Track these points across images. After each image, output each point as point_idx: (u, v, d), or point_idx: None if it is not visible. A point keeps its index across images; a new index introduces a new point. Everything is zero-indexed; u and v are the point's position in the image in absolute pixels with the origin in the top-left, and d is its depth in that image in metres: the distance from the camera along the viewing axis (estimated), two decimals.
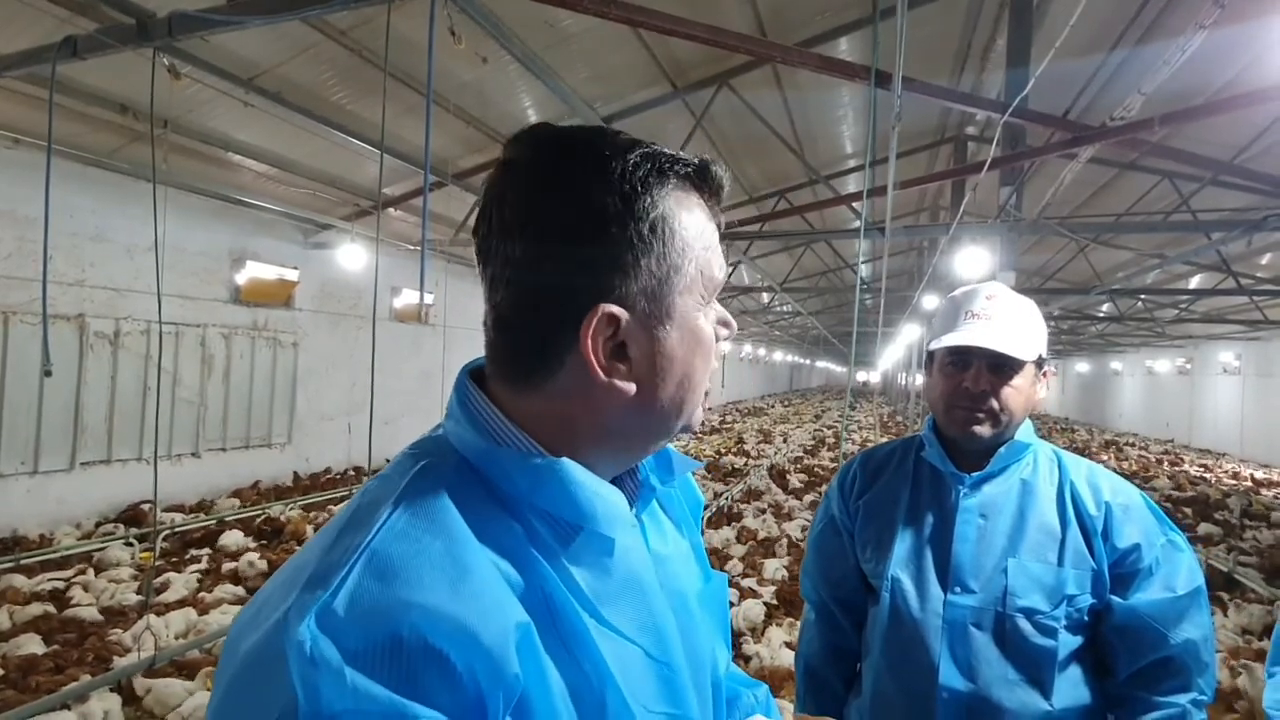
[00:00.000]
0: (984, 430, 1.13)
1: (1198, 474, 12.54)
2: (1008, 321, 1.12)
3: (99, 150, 5.71)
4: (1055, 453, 1.20)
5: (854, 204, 7.24)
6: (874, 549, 1.23)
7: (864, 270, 14.57)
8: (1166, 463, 14.13)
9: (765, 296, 15.96)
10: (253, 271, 7.63)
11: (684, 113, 6.55)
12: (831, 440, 15.43)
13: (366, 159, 6.66)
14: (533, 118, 6.66)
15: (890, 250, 10.64)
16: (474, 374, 0.57)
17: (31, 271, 5.68)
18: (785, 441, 15.01)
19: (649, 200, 0.52)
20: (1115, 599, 1.08)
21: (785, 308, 17.51)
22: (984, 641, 1.08)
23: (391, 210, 7.93)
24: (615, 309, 0.51)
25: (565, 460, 0.52)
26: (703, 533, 0.89)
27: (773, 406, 28.11)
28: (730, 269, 12.30)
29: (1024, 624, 1.07)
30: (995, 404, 1.12)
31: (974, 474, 1.17)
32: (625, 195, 0.51)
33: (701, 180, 0.57)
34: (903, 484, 1.24)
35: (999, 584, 1.09)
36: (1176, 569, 1.09)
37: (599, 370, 0.52)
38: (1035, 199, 5.81)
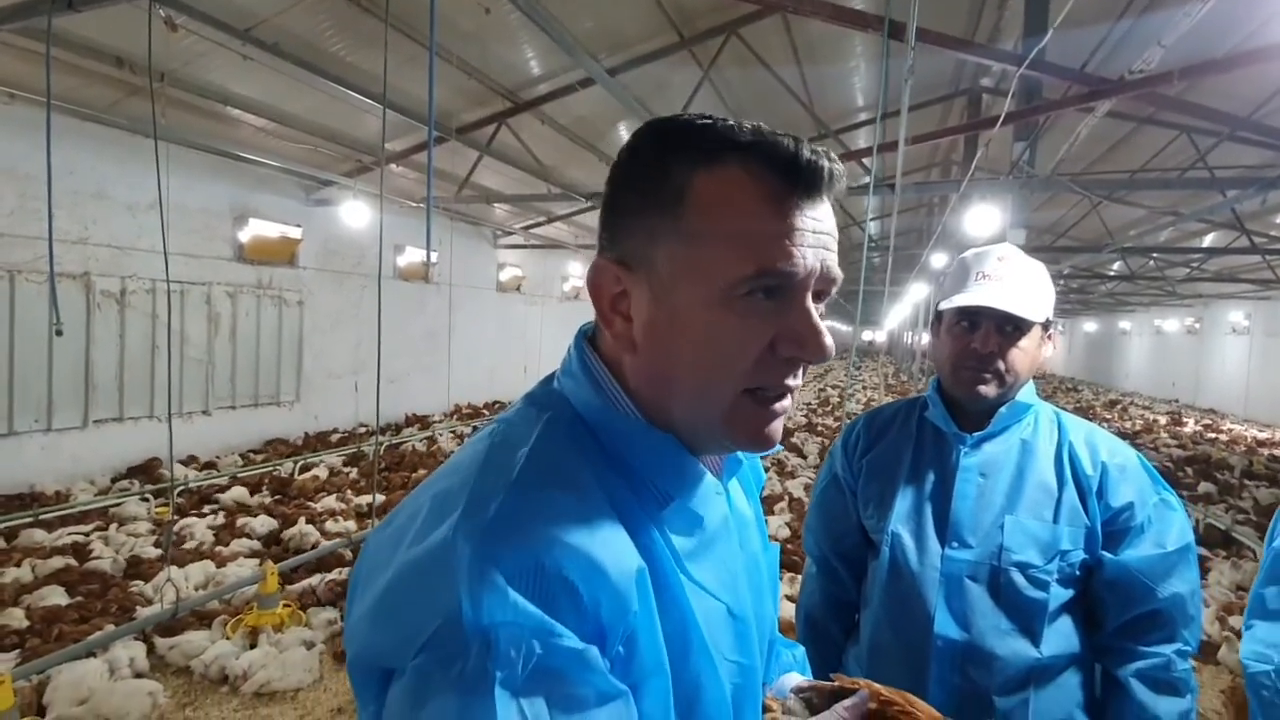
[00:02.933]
0: (989, 390, 1.14)
1: (1198, 432, 12.59)
2: (1018, 283, 1.12)
3: (96, 105, 5.62)
4: (1056, 413, 1.22)
5: (864, 160, 7.09)
6: (876, 506, 1.25)
7: (872, 228, 14.38)
8: (1170, 421, 14.16)
9: None
10: (255, 229, 7.58)
11: (691, 64, 6.38)
12: (836, 400, 15.50)
13: (366, 113, 6.54)
14: (535, 70, 6.51)
15: (900, 208, 10.48)
16: (589, 337, 0.61)
17: (34, 230, 5.66)
18: None
19: (663, 169, 0.53)
20: (1107, 555, 1.11)
21: None
22: (979, 593, 1.11)
23: (393, 166, 7.82)
24: (609, 261, 0.55)
25: (670, 437, 0.56)
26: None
27: None
28: None
29: (1018, 577, 1.10)
30: (1002, 365, 1.13)
31: (975, 434, 1.19)
32: (642, 160, 0.54)
33: (770, 157, 0.51)
34: (906, 443, 1.27)
35: (995, 539, 1.12)
36: (1168, 527, 1.11)
37: (602, 315, 0.57)
38: (1050, 155, 5.69)
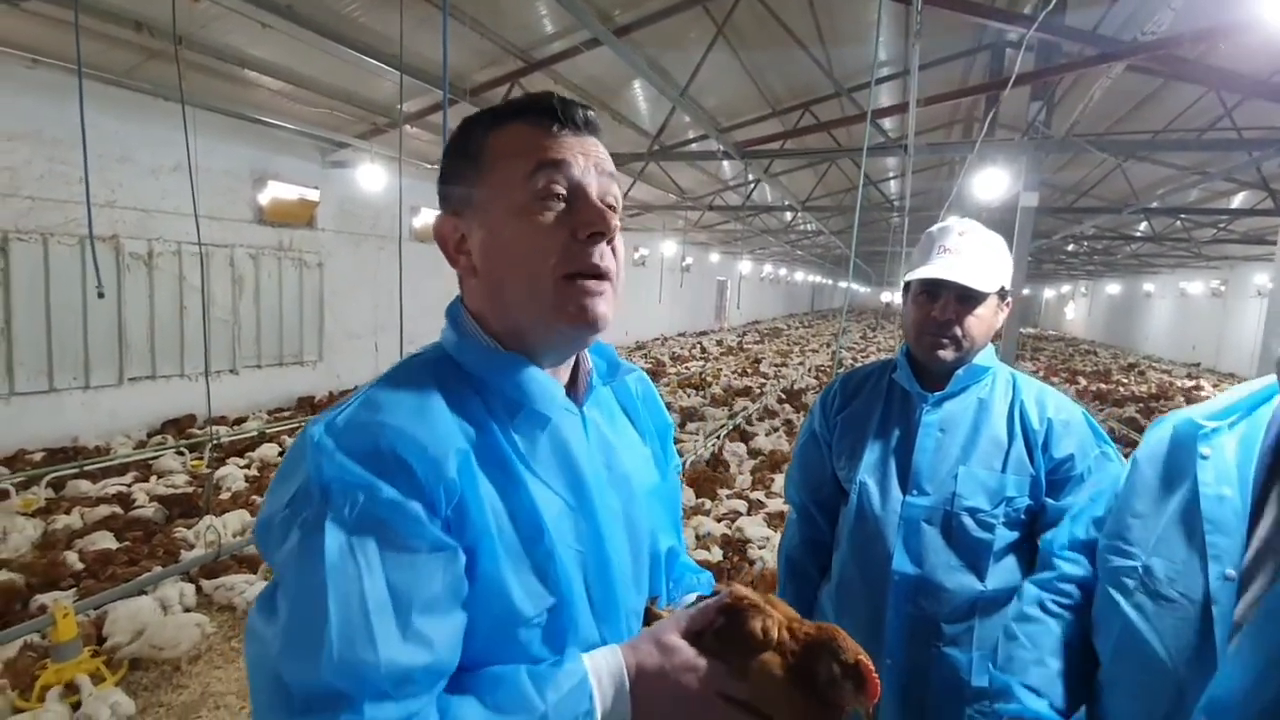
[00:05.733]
0: (948, 354, 1.26)
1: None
2: (975, 256, 1.23)
3: (116, 69, 5.71)
4: (1013, 375, 1.34)
5: (879, 121, 7.00)
6: (848, 458, 1.39)
7: (892, 187, 14.16)
8: (1193, 387, 14.03)
9: (788, 215, 15.62)
10: (274, 191, 7.71)
11: (705, 20, 6.29)
12: (850, 362, 15.54)
13: (380, 75, 6.56)
14: (549, 28, 6.46)
15: (918, 167, 10.31)
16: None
17: (64, 193, 5.84)
18: (803, 364, 15.15)
19: (470, 137, 0.71)
20: (1049, 500, 1.24)
21: (808, 226, 17.18)
22: (932, 535, 1.26)
23: (407, 127, 7.85)
24: (445, 215, 0.73)
25: (513, 354, 0.70)
26: (678, 445, 1.04)
27: (794, 328, 28.04)
28: (752, 186, 12.09)
29: (967, 520, 1.24)
30: (959, 331, 1.25)
31: (936, 393, 1.31)
32: (456, 138, 0.72)
33: (534, 110, 0.69)
34: (876, 401, 1.39)
35: (949, 487, 1.26)
36: (1105, 476, 1.23)
37: (449, 258, 0.73)
38: (1072, 113, 5.58)
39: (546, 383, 0.71)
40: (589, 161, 0.69)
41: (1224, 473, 0.83)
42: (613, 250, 0.70)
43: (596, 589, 0.70)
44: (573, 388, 0.77)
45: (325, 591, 0.54)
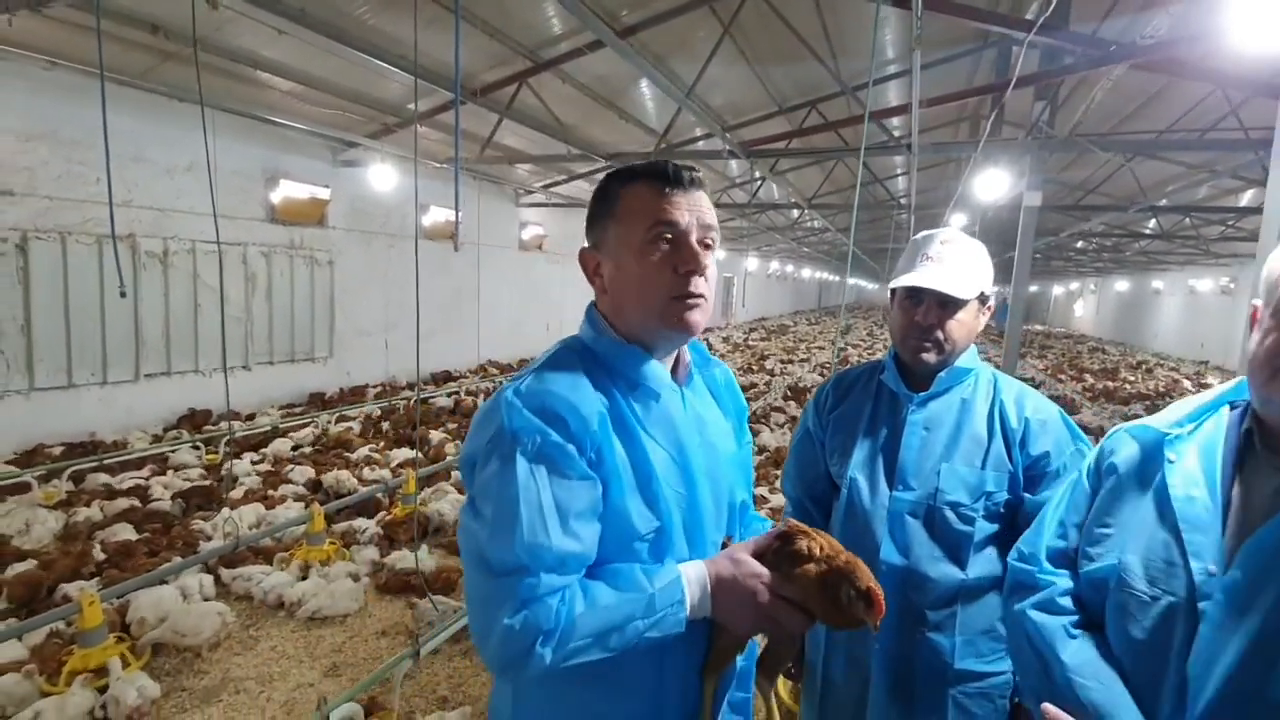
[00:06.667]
0: (930, 357, 1.34)
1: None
2: (955, 264, 1.30)
3: (131, 71, 5.82)
4: (995, 375, 1.41)
5: (884, 120, 7.02)
6: (839, 455, 1.47)
7: (900, 185, 14.14)
8: (1200, 387, 13.99)
9: (794, 212, 15.63)
10: (286, 190, 7.82)
11: (711, 20, 6.34)
12: (856, 359, 15.56)
13: (390, 75, 6.64)
14: (556, 29, 6.52)
15: (921, 166, 10.31)
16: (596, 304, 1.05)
17: (81, 193, 5.96)
18: (807, 360, 15.19)
19: (608, 188, 0.98)
20: (1027, 495, 1.31)
21: (815, 223, 17.18)
22: (916, 527, 1.33)
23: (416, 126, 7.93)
24: (588, 249, 1.01)
25: (634, 348, 0.97)
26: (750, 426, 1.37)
27: (800, 325, 28.00)
28: (758, 184, 12.12)
29: (949, 514, 1.31)
30: (941, 335, 1.32)
31: (921, 394, 1.38)
32: (599, 190, 1.00)
33: (654, 174, 0.95)
34: (866, 401, 1.47)
35: (933, 483, 1.33)
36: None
37: (589, 278, 1.01)
38: (1076, 112, 5.60)
39: (658, 368, 0.99)
40: (692, 216, 0.94)
41: (1190, 475, 0.89)
42: (704, 276, 0.95)
43: (689, 521, 0.97)
44: (675, 372, 1.04)
45: (518, 499, 0.83)
